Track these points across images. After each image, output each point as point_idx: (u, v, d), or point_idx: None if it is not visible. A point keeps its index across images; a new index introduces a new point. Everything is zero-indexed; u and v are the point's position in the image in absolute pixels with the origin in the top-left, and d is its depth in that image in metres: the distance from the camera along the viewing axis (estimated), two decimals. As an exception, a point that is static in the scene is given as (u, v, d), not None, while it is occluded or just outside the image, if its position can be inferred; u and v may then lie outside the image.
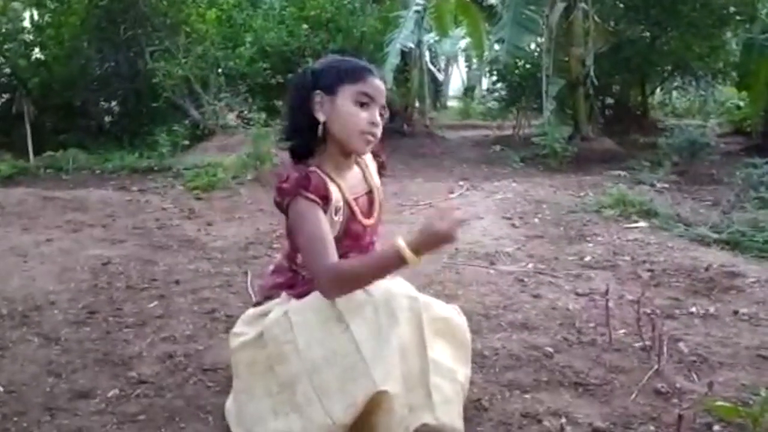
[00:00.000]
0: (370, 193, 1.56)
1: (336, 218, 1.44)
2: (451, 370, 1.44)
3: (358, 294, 1.37)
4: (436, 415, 1.32)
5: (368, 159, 1.61)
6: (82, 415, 1.67)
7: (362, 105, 1.42)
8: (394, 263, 1.30)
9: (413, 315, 1.37)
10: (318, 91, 1.42)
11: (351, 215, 1.48)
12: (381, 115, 1.46)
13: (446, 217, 1.27)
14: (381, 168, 1.65)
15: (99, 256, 3.21)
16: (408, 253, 1.27)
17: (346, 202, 1.47)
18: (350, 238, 1.49)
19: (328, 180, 1.43)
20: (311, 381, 1.33)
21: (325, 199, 1.40)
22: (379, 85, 1.45)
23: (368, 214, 1.54)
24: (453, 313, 1.55)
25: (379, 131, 1.45)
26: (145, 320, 2.35)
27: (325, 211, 1.40)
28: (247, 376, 1.48)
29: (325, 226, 1.38)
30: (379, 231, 1.61)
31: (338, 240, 1.42)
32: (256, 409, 1.43)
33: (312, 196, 1.38)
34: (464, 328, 1.56)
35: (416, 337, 1.37)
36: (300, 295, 1.47)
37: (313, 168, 1.42)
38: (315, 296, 1.42)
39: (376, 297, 1.37)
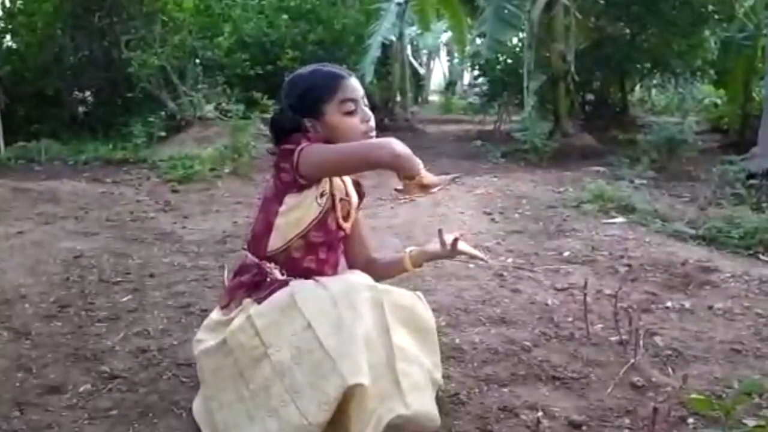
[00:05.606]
0: (348, 201, 1.62)
1: (320, 201, 1.52)
2: (418, 356, 1.42)
3: (317, 289, 1.38)
4: (406, 402, 1.30)
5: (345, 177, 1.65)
6: (53, 411, 1.64)
7: (350, 112, 1.50)
8: None
9: (374, 304, 1.37)
10: (306, 119, 1.49)
11: (332, 207, 1.54)
12: (365, 105, 1.55)
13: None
14: (360, 196, 1.70)
15: (71, 248, 3.14)
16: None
17: (332, 194, 1.53)
18: (323, 230, 1.55)
19: None
20: (283, 382, 1.32)
21: None
22: (353, 84, 1.52)
23: (345, 218, 1.60)
24: (415, 300, 1.53)
25: (373, 122, 1.54)
26: (118, 314, 2.30)
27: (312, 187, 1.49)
28: (214, 382, 1.46)
29: None
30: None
31: (313, 225, 1.51)
32: (229, 416, 1.41)
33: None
34: (428, 315, 1.54)
35: (379, 325, 1.36)
36: (263, 299, 1.45)
37: None
38: (277, 296, 1.42)
39: (335, 290, 1.36)
